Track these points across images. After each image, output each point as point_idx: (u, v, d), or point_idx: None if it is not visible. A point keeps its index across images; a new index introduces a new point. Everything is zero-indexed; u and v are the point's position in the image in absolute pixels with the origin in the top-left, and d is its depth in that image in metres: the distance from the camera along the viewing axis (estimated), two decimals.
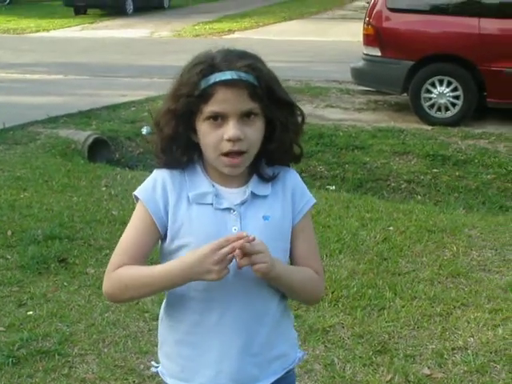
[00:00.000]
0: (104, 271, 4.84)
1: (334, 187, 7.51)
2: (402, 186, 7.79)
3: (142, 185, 1.94)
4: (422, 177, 7.88)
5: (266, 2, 28.96)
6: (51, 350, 3.80)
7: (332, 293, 4.39)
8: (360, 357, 3.76)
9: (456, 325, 4.10)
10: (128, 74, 13.35)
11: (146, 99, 10.56)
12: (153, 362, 2.16)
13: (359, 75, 10.25)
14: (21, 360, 3.71)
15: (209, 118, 1.82)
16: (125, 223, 5.82)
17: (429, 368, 3.69)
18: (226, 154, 1.83)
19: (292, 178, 2.00)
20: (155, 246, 1.96)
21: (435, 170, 7.96)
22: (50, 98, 10.85)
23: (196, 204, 1.88)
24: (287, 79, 12.25)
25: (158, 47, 17.75)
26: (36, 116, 9.29)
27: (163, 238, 1.93)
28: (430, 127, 9.25)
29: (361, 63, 10.09)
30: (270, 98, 1.84)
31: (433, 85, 9.39)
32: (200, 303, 1.90)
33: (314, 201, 2.03)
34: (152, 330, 4.02)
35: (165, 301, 2.01)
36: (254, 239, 1.75)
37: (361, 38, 10.17)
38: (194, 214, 1.88)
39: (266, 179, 1.94)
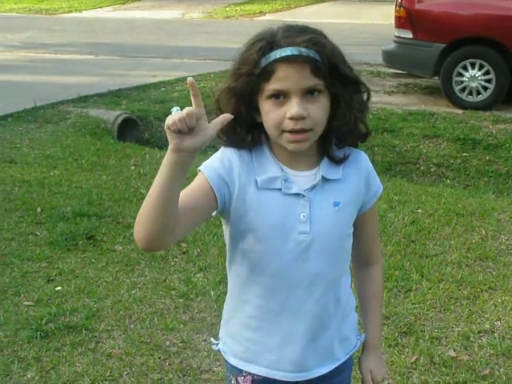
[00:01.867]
0: (132, 249, 4.91)
1: None
2: (432, 170, 7.74)
3: (208, 160, 1.84)
4: (452, 161, 7.81)
5: None
6: (78, 325, 3.85)
7: None
8: (385, 338, 3.76)
9: (483, 308, 4.08)
10: (159, 54, 13.37)
11: (176, 80, 10.58)
12: (212, 339, 2.12)
13: (390, 58, 10.16)
14: (49, 334, 3.76)
15: (271, 96, 1.74)
16: None
17: (454, 350, 3.67)
18: (290, 132, 1.75)
19: (365, 160, 1.93)
20: (206, 216, 1.81)
21: (465, 154, 7.89)
22: (81, 78, 10.91)
23: (264, 189, 1.81)
24: None
25: (188, 28, 17.74)
26: (67, 95, 9.36)
27: (225, 216, 1.85)
28: (460, 111, 9.15)
29: (392, 46, 9.99)
30: (334, 75, 1.75)
31: (464, 68, 9.28)
32: (264, 289, 1.87)
33: (382, 188, 1.98)
34: (178, 307, 4.05)
35: (230, 279, 1.97)
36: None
37: (392, 21, 10.07)
38: (262, 199, 1.81)
39: (336, 161, 1.85)
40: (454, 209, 5.58)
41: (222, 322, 2.06)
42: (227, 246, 1.93)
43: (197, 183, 1.79)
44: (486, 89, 9.24)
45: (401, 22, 9.69)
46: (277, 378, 1.94)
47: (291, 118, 1.72)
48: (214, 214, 1.82)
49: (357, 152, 1.91)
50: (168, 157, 1.59)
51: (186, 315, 3.97)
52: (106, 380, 3.41)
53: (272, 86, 1.73)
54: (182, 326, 3.88)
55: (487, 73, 9.18)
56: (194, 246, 4.82)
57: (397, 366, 3.53)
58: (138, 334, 3.80)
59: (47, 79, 10.76)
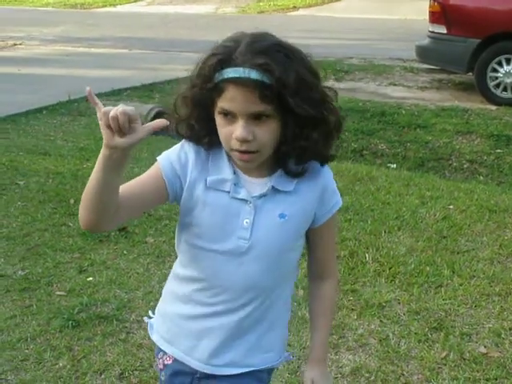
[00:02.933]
0: (163, 241, 4.95)
1: (394, 165, 7.44)
2: (465, 166, 7.67)
3: (167, 151, 1.87)
4: (485, 157, 7.74)
5: None
6: (109, 316, 3.88)
7: (389, 269, 4.37)
8: (415, 333, 3.75)
9: None
10: (192, 49, 13.34)
11: None
12: (150, 312, 2.16)
13: (424, 53, 10.10)
14: (80, 323, 3.80)
15: (220, 113, 1.72)
16: None
17: (485, 347, 3.65)
18: (236, 151, 1.73)
19: (324, 176, 1.87)
20: (154, 203, 1.88)
21: (499, 151, 7.82)
22: (115, 72, 11.00)
23: (213, 189, 1.80)
24: (350, 57, 12.22)
25: (222, 23, 17.76)
26: (100, 88, 9.41)
27: (178, 205, 1.86)
28: (494, 107, 9.07)
29: (426, 41, 9.94)
30: (282, 105, 1.67)
31: (499, 64, 9.20)
32: (199, 281, 1.89)
33: (341, 204, 1.92)
34: None
35: (176, 261, 2.01)
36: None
37: (426, 16, 10.01)
38: (209, 198, 1.81)
39: (291, 174, 1.80)
40: (486, 205, 5.53)
41: (161, 297, 2.10)
42: (176, 232, 1.96)
43: (150, 172, 1.83)
44: None
45: (435, 17, 9.63)
46: (186, 363, 1.97)
47: (236, 139, 1.70)
48: (169, 202, 1.85)
49: (318, 167, 1.85)
50: (102, 150, 1.62)
51: None
52: (136, 370, 3.43)
53: (221, 103, 1.70)
54: None
55: None
56: None
57: (426, 361, 3.51)
58: None
59: (81, 73, 10.86)
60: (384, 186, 5.94)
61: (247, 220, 1.80)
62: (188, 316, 1.94)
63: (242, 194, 1.80)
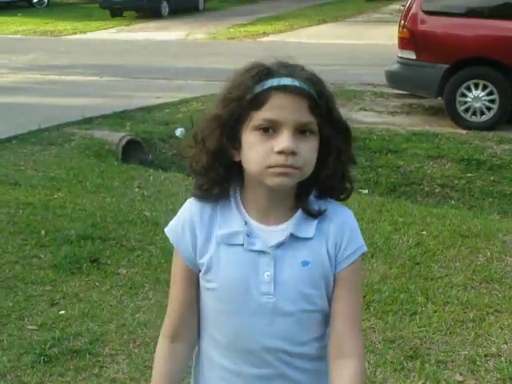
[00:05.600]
0: (136, 272, 4.90)
1: (366, 191, 7.46)
2: (436, 191, 7.73)
3: (172, 222, 1.76)
4: (456, 181, 7.80)
5: (300, 4, 28.90)
6: (82, 350, 3.83)
7: (364, 297, 4.36)
8: (391, 362, 3.73)
9: (489, 331, 4.05)
10: (162, 76, 13.41)
11: (181, 101, 10.61)
12: None
13: (394, 78, 10.17)
14: (52, 359, 3.74)
15: (259, 127, 1.57)
16: (157, 224, 5.85)
17: (461, 374, 3.65)
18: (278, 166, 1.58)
19: (343, 215, 1.71)
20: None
21: (469, 175, 7.88)
22: (85, 100, 10.95)
23: (225, 245, 1.67)
24: None
25: (192, 49, 17.81)
26: (71, 117, 9.37)
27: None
28: (464, 131, 9.15)
29: (395, 66, 10.02)
30: (328, 119, 1.62)
31: (468, 88, 9.28)
32: (226, 350, 1.75)
33: (365, 249, 1.72)
34: None
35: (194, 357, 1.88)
36: None
37: (396, 41, 10.11)
38: (222, 256, 1.67)
39: (312, 215, 1.67)
40: (458, 230, 5.56)
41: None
42: None
43: (178, 273, 1.76)
44: (489, 109, 9.24)
45: (404, 43, 9.72)
46: None
47: (281, 152, 1.56)
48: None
49: (336, 206, 1.72)
50: None
51: None
52: None
53: (264, 114, 1.57)
54: None
55: (491, 93, 9.19)
56: None
57: None
58: (143, 358, 3.77)
59: (52, 101, 10.79)
60: (357, 212, 5.92)
61: (268, 273, 1.65)
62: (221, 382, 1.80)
63: (258, 245, 1.66)
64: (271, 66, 1.62)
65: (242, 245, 1.66)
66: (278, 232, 1.67)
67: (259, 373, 1.73)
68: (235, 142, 1.64)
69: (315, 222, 1.68)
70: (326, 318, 1.74)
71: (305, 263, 1.66)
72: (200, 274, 1.73)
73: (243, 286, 1.67)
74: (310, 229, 1.67)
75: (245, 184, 1.70)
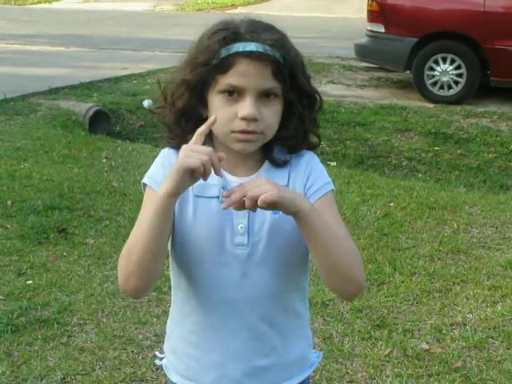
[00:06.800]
0: (104, 242, 4.88)
1: (335, 163, 7.48)
2: (403, 164, 7.77)
3: (149, 170, 1.75)
4: (424, 154, 7.85)
5: None
6: (50, 319, 3.81)
7: None
8: (359, 331, 3.77)
9: (455, 301, 4.10)
10: (130, 47, 13.29)
11: (148, 72, 10.53)
12: (157, 353, 1.99)
13: (362, 52, 10.19)
14: (20, 328, 3.72)
15: (224, 91, 1.61)
16: (125, 194, 5.83)
17: (427, 343, 3.69)
18: (240, 132, 1.62)
19: (307, 161, 1.75)
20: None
21: (437, 148, 7.94)
22: (52, 70, 10.80)
23: (201, 197, 1.68)
24: None
25: (160, 21, 17.65)
26: (37, 87, 9.25)
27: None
28: (432, 105, 9.21)
29: (364, 40, 10.03)
30: (292, 83, 1.64)
31: (436, 62, 9.33)
32: (203, 303, 1.74)
33: (332, 187, 1.74)
34: (151, 300, 4.02)
35: (173, 291, 1.84)
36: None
37: (365, 15, 10.11)
38: (198, 208, 1.68)
39: (277, 165, 1.71)
40: (425, 202, 5.61)
41: (165, 336, 1.93)
42: (169, 257, 1.79)
43: (148, 204, 1.66)
44: (457, 83, 9.31)
45: (373, 16, 9.73)
46: None
47: (243, 119, 1.60)
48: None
49: (300, 154, 1.76)
50: (164, 201, 1.53)
51: (159, 309, 3.95)
52: (78, 374, 3.37)
53: (228, 79, 1.59)
54: (155, 319, 3.85)
55: (458, 67, 9.25)
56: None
57: (370, 358, 3.53)
58: (111, 327, 3.77)
59: (17, 71, 10.64)
60: None
61: (242, 225, 1.67)
62: (202, 345, 1.79)
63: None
64: (238, 29, 1.63)
65: (218, 197, 1.67)
66: None
67: (230, 325, 1.74)
68: (203, 101, 1.67)
69: (286, 170, 1.72)
70: (304, 268, 1.77)
71: (275, 212, 1.64)
72: (175, 222, 1.69)
73: (219, 238, 1.67)
74: (281, 176, 1.71)
75: (214, 140, 1.72)
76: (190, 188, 1.63)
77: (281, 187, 1.55)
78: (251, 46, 1.59)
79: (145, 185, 1.73)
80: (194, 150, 1.49)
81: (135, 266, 1.61)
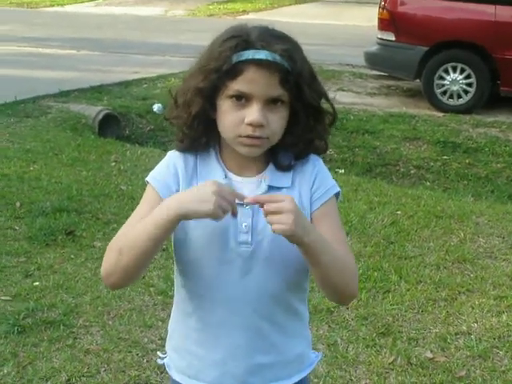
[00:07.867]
0: None
1: (343, 170, 7.50)
2: (412, 172, 7.77)
3: (154, 170, 1.80)
4: (432, 163, 7.85)
5: None
6: (56, 321, 3.83)
7: None
8: (363, 338, 3.78)
9: (460, 310, 4.10)
10: (141, 51, 13.32)
11: (158, 77, 10.56)
12: (158, 353, 2.05)
13: (373, 60, 10.20)
14: (26, 329, 3.74)
15: (232, 96, 1.67)
16: (133, 198, 5.85)
17: (431, 352, 3.70)
18: (246, 137, 1.68)
19: (313, 164, 1.80)
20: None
21: (445, 157, 7.94)
22: (62, 73, 10.84)
23: None
24: None
25: (171, 26, 17.68)
26: (48, 90, 9.29)
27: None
28: (441, 114, 9.22)
29: (375, 48, 10.05)
30: (298, 94, 1.68)
31: (446, 71, 9.34)
32: (205, 300, 1.78)
33: (338, 190, 1.81)
34: (157, 304, 4.04)
35: (175, 290, 1.89)
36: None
37: (375, 23, 10.12)
38: None
39: (284, 168, 1.76)
40: (433, 211, 5.61)
41: (167, 336, 1.97)
42: (174, 256, 1.84)
43: (148, 199, 1.76)
44: (466, 92, 9.32)
45: (384, 24, 9.75)
46: None
47: (250, 124, 1.66)
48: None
49: (306, 158, 1.81)
50: (175, 220, 1.60)
51: (165, 312, 3.96)
52: (83, 376, 3.39)
53: (237, 85, 1.65)
54: (160, 323, 3.87)
55: (468, 77, 9.26)
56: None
57: (374, 366, 3.54)
58: (117, 330, 3.79)
59: (28, 73, 10.68)
60: None
61: (245, 223, 1.72)
62: (204, 342, 1.82)
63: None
64: (250, 36, 1.67)
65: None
66: (254, 183, 1.76)
67: (233, 322, 1.77)
68: (213, 104, 1.73)
69: (290, 173, 1.78)
70: (305, 269, 1.78)
71: None
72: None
73: (222, 236, 1.72)
74: (286, 179, 1.77)
75: (221, 141, 1.78)
76: (196, 185, 1.71)
77: (298, 219, 1.57)
78: (261, 54, 1.64)
79: (147, 182, 1.79)
80: (224, 200, 1.57)
81: (122, 269, 1.68)
